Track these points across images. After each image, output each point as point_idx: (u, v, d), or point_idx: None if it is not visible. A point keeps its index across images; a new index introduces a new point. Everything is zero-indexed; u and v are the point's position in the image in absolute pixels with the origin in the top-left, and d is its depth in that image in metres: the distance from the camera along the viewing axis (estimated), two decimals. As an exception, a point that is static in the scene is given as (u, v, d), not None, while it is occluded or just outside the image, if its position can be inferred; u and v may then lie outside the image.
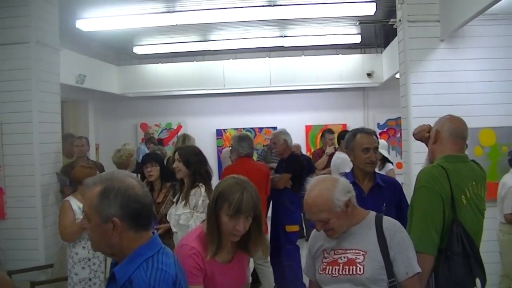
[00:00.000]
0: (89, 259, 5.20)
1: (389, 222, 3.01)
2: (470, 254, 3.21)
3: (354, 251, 2.91)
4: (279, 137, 7.51)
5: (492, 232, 5.89)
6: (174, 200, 5.22)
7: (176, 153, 5.16)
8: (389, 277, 2.85)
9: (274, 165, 7.90)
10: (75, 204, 5.25)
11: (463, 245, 3.20)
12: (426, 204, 3.25)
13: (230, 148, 7.37)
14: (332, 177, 3.15)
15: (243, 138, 6.97)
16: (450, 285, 3.16)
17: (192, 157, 5.20)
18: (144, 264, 2.22)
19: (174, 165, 5.11)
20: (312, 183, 3.01)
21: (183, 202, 5.05)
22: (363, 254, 2.88)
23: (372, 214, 3.06)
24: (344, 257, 2.91)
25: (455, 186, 3.28)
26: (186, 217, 5.01)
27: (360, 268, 2.84)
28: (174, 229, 5.08)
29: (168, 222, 5.28)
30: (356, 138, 4.20)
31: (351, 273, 2.85)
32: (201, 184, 5.10)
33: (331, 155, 8.84)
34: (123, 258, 2.24)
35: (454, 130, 3.54)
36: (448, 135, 3.51)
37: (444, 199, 3.23)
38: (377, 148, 4.18)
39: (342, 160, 7.20)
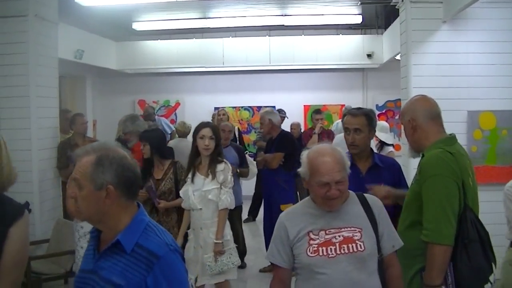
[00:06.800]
0: None
1: (372, 198, 3.02)
2: (484, 240, 3.16)
3: (349, 228, 2.85)
4: (264, 118, 7.53)
5: (492, 215, 5.87)
6: (189, 176, 5.20)
7: (208, 129, 5.14)
8: (378, 251, 2.87)
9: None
10: None
11: (478, 231, 3.14)
12: (443, 193, 3.11)
13: (123, 134, 6.93)
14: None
15: (137, 117, 6.91)
16: (471, 273, 3.09)
17: (220, 134, 5.34)
18: (149, 228, 2.29)
19: (206, 143, 5.08)
20: (316, 150, 2.94)
21: (209, 177, 5.07)
22: (359, 231, 2.84)
23: (352, 192, 3.02)
24: (339, 235, 2.82)
25: (463, 169, 3.21)
26: (215, 192, 5.04)
27: (360, 245, 2.79)
28: (198, 206, 5.07)
29: (173, 199, 5.45)
30: (343, 119, 4.16)
31: (351, 250, 2.78)
32: (225, 160, 5.20)
33: (321, 134, 9.13)
34: (115, 226, 2.26)
35: (430, 112, 3.41)
36: (427, 120, 3.38)
37: (459, 186, 3.14)
38: (357, 129, 4.04)
39: (340, 140, 7.21)
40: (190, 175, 5.20)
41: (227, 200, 5.08)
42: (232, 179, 5.21)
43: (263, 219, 7.42)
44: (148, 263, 2.17)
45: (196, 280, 5.11)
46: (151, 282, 2.16)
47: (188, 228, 5.30)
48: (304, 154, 2.97)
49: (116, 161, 2.26)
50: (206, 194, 5.05)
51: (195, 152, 5.21)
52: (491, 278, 3.19)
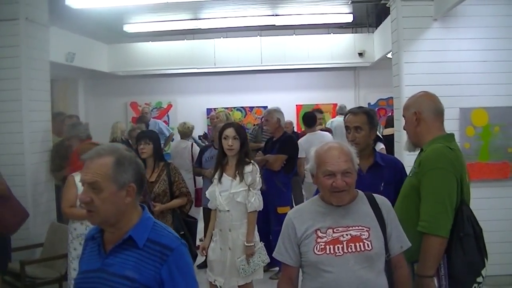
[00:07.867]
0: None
1: (381, 199, 3.03)
2: (478, 235, 3.23)
3: (357, 227, 2.84)
4: (273, 115, 7.44)
5: (485, 212, 5.91)
6: (216, 177, 5.16)
7: (231, 130, 5.08)
8: (386, 252, 2.87)
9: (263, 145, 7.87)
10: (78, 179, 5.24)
11: (473, 226, 3.22)
12: (443, 186, 3.19)
13: (70, 136, 7.04)
14: None
15: (79, 122, 6.99)
16: (465, 266, 3.17)
17: (245, 133, 5.27)
18: (157, 225, 2.40)
19: (229, 143, 5.04)
20: (324, 144, 2.98)
21: (237, 179, 5.02)
22: (367, 230, 2.83)
23: (361, 192, 3.03)
24: (346, 234, 2.82)
25: (462, 165, 3.30)
26: (243, 195, 5.01)
27: (367, 244, 2.79)
28: (225, 208, 5.03)
29: (168, 201, 5.41)
30: (345, 118, 4.20)
31: (359, 249, 2.78)
32: (252, 161, 5.15)
33: None
34: (125, 225, 2.33)
35: (435, 108, 3.48)
36: (432, 115, 3.45)
37: (458, 181, 3.22)
38: (358, 127, 4.06)
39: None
40: (217, 176, 5.15)
41: (256, 202, 5.04)
42: (260, 181, 5.15)
43: (257, 219, 7.40)
44: (161, 256, 2.26)
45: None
46: (165, 273, 2.25)
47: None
48: (312, 150, 3.00)
49: (133, 160, 2.36)
50: (234, 196, 5.00)
51: (222, 153, 5.16)
52: (483, 272, 3.24)
